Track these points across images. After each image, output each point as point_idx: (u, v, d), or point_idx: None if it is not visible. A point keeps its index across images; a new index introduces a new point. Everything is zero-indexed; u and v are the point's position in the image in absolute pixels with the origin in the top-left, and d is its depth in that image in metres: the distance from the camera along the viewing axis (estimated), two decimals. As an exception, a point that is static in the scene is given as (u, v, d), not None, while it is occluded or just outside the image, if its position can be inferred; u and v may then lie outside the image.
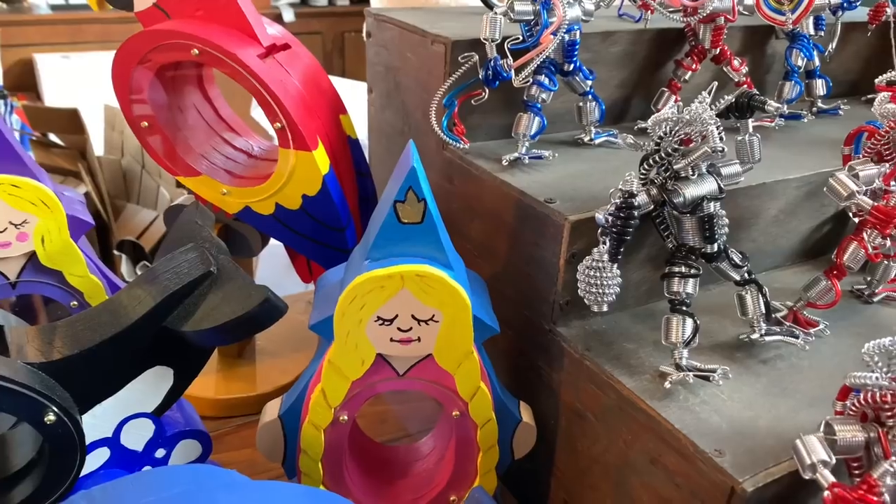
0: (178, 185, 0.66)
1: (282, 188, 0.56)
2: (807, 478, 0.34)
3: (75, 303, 0.57)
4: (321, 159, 0.55)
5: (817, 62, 0.68)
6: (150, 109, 0.56)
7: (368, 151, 0.71)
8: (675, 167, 0.43)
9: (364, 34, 0.67)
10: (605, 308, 0.44)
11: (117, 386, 0.45)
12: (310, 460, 0.47)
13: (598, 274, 0.43)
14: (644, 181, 0.44)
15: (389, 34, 0.63)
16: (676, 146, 0.42)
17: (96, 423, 0.45)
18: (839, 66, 0.76)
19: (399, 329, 0.43)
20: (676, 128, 0.42)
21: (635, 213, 0.41)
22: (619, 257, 0.42)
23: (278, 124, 0.54)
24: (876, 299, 0.53)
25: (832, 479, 0.33)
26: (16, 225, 0.53)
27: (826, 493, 0.33)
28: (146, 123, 0.56)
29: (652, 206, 0.44)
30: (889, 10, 0.72)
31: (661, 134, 0.43)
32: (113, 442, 0.46)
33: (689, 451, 0.38)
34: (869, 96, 0.77)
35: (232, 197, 0.58)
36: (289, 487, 0.35)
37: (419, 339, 0.44)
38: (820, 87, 0.69)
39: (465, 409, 0.47)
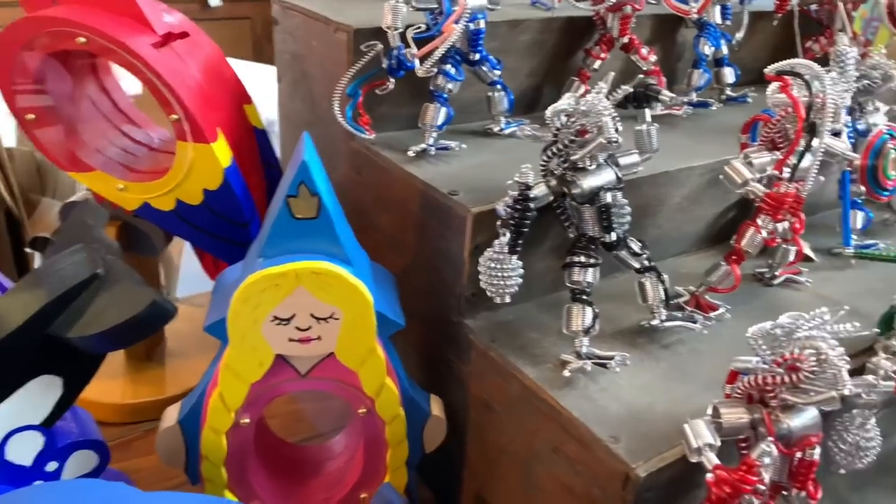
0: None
1: (181, 183, 0.54)
2: (693, 461, 0.35)
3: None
4: (221, 152, 0.54)
5: (725, 51, 0.69)
6: (37, 100, 0.53)
7: (280, 141, 0.70)
8: (572, 158, 0.43)
9: (272, 21, 0.65)
10: (507, 299, 0.44)
11: (2, 395, 0.43)
12: (212, 466, 0.46)
13: (498, 266, 0.43)
14: (544, 172, 0.44)
15: (295, 21, 0.61)
16: (573, 137, 0.42)
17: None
18: (748, 54, 0.78)
19: (297, 328, 0.42)
20: (573, 119, 0.42)
21: (531, 205, 0.41)
22: (519, 249, 0.42)
23: (174, 116, 0.52)
24: (776, 282, 0.54)
25: (716, 461, 0.34)
26: None
27: (709, 475, 0.33)
28: (32, 116, 0.53)
29: (552, 198, 0.44)
30: (792, 0, 0.74)
31: (559, 125, 0.42)
32: (-1, 455, 0.44)
33: (587, 439, 0.39)
34: (775, 84, 0.79)
35: (130, 193, 0.55)
36: (182, 498, 0.34)
37: (319, 338, 0.43)
38: (728, 75, 0.70)
39: (372, 406, 0.46)
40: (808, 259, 0.57)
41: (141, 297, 0.41)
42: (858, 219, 0.60)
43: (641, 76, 0.48)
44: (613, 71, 0.63)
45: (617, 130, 0.42)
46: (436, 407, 0.49)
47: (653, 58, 0.64)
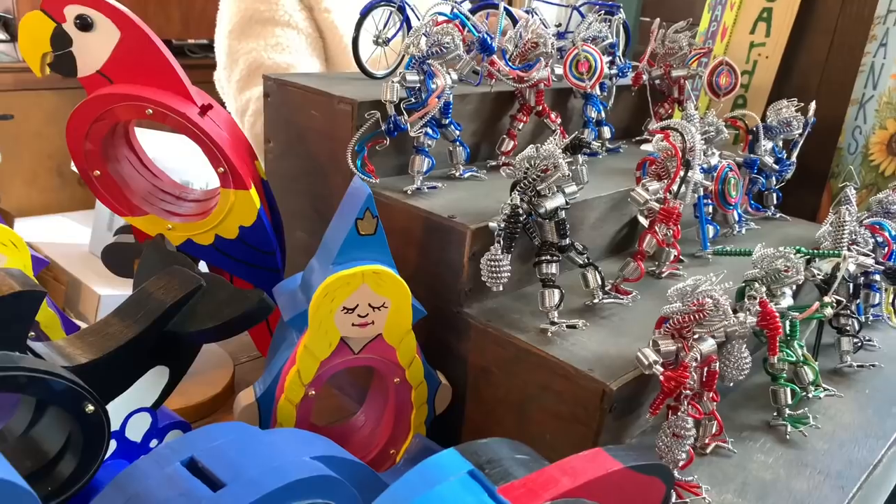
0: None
1: (221, 221, 0.68)
2: (647, 373, 0.54)
3: (32, 334, 0.63)
4: (255, 196, 0.68)
5: (603, 114, 0.93)
6: (100, 161, 0.65)
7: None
8: (538, 188, 0.62)
9: (263, 95, 0.80)
10: (500, 288, 0.62)
11: (127, 384, 0.54)
12: (285, 431, 0.59)
13: (496, 264, 0.61)
14: (520, 198, 0.63)
15: (291, 95, 0.77)
16: (539, 174, 0.62)
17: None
18: (615, 117, 1.03)
19: (359, 315, 0.58)
20: (537, 161, 0.62)
21: (521, 218, 0.60)
22: (511, 250, 0.61)
23: (221, 168, 0.66)
24: (663, 275, 0.77)
25: (662, 369, 0.53)
26: (-12, 265, 0.59)
27: (661, 376, 0.53)
28: (98, 172, 0.65)
29: (524, 216, 0.63)
30: (644, 76, 1.00)
31: (528, 165, 0.62)
32: (119, 434, 0.55)
33: (571, 373, 0.57)
34: (637, 138, 1.04)
35: (176, 231, 0.68)
36: (292, 433, 0.48)
37: (373, 323, 0.58)
38: (607, 132, 0.94)
39: (404, 376, 0.62)
40: (680, 260, 0.80)
41: (251, 296, 0.55)
42: (710, 231, 0.84)
43: (577, 133, 0.69)
44: (530, 130, 0.84)
45: (566, 168, 0.62)
46: (442, 378, 0.66)
47: (558, 120, 0.86)
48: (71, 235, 1.73)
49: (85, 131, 0.63)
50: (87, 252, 1.60)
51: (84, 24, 0.61)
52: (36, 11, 0.61)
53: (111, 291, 1.44)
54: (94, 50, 0.63)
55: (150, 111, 0.63)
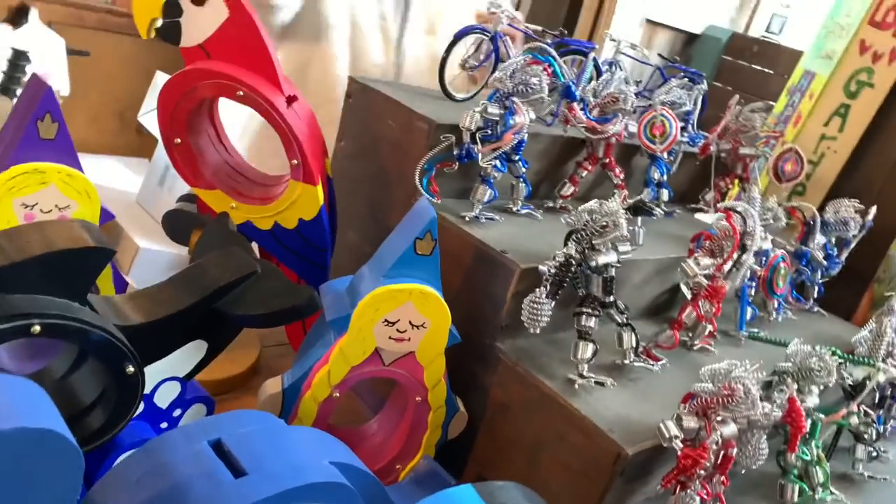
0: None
1: (283, 210, 0.70)
2: (666, 445, 0.55)
3: (88, 283, 0.66)
4: (320, 193, 0.70)
5: (665, 177, 0.94)
6: (184, 131, 0.67)
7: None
8: (594, 242, 0.63)
9: (345, 96, 0.82)
10: (538, 331, 0.63)
11: (166, 352, 0.56)
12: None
13: (538, 308, 0.62)
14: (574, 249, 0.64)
15: (372, 102, 0.79)
16: (598, 228, 0.63)
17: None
18: (675, 180, 1.04)
19: (398, 330, 0.59)
20: (598, 216, 0.63)
21: (572, 269, 0.61)
22: (557, 297, 0.62)
23: (295, 161, 0.68)
24: (695, 348, 0.77)
25: (682, 445, 0.54)
26: (60, 208, 0.62)
27: (679, 451, 0.54)
28: (179, 140, 0.67)
29: (575, 266, 0.64)
30: (713, 148, 1.01)
31: (588, 218, 0.63)
32: (149, 398, 0.57)
33: (590, 429, 0.58)
34: (692, 206, 1.05)
35: (239, 211, 0.70)
36: (315, 433, 0.50)
37: (409, 339, 0.60)
38: (665, 195, 0.94)
39: (426, 396, 0.63)
40: (714, 336, 0.80)
41: (302, 292, 0.57)
42: (748, 313, 0.84)
43: (639, 196, 0.70)
44: (591, 179, 0.85)
45: (626, 228, 0.63)
46: (461, 405, 0.67)
47: (622, 175, 0.87)
48: (121, 181, 1.76)
49: (177, 99, 0.65)
50: (133, 201, 1.63)
51: (198, -1, 0.64)
52: (156, -23, 0.64)
53: (150, 245, 1.48)
54: (202, 24, 0.65)
55: (241, 93, 0.65)
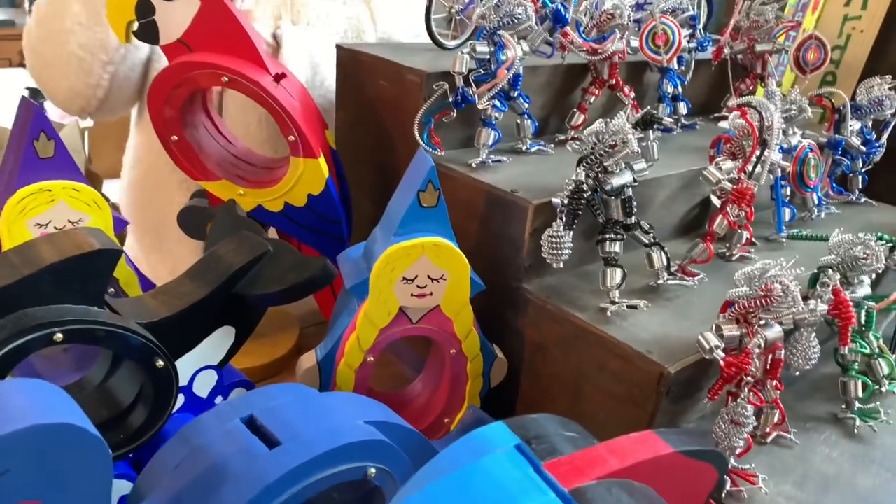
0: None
1: (291, 189, 0.70)
2: (708, 358, 0.53)
3: (112, 290, 0.67)
4: (324, 165, 0.69)
5: (680, 89, 0.90)
6: (179, 127, 0.67)
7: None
8: (605, 164, 0.61)
9: (336, 65, 0.81)
10: (560, 265, 0.61)
11: (195, 342, 0.57)
12: (343, 395, 0.61)
13: (557, 241, 0.60)
14: (585, 175, 0.62)
15: (362, 65, 0.78)
16: (607, 149, 0.60)
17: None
18: (692, 92, 0.99)
19: (417, 286, 0.58)
20: (606, 136, 0.60)
21: (584, 195, 0.59)
22: (574, 227, 0.60)
23: (292, 137, 0.67)
24: (734, 258, 0.74)
25: (724, 354, 0.52)
26: (73, 223, 0.62)
27: (721, 361, 0.52)
28: (175, 137, 0.67)
29: (589, 192, 0.62)
30: (726, 51, 0.96)
31: (595, 140, 0.61)
32: (187, 389, 0.58)
33: (629, 354, 0.56)
34: (715, 115, 1.01)
35: (247, 197, 0.70)
36: (346, 396, 0.49)
37: (431, 294, 0.59)
38: (683, 108, 0.91)
39: (460, 348, 0.63)
40: (753, 243, 0.77)
41: (314, 263, 0.56)
42: (786, 214, 0.81)
43: (649, 108, 0.67)
44: (602, 104, 0.82)
45: (636, 144, 0.60)
46: (499, 352, 0.66)
47: (632, 95, 0.84)
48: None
49: (165, 97, 0.65)
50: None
51: (166, -7, 0.63)
52: (122, -20, 0.63)
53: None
54: (176, 18, 0.65)
55: (226, 79, 0.65)
